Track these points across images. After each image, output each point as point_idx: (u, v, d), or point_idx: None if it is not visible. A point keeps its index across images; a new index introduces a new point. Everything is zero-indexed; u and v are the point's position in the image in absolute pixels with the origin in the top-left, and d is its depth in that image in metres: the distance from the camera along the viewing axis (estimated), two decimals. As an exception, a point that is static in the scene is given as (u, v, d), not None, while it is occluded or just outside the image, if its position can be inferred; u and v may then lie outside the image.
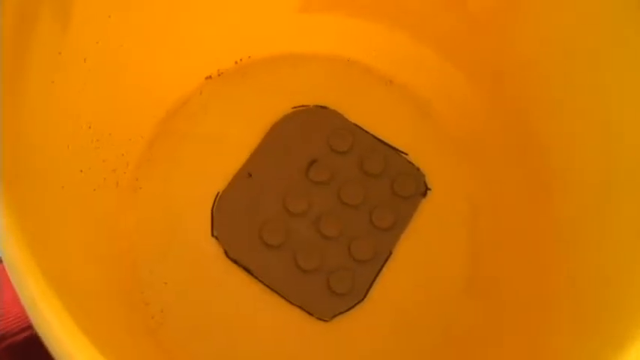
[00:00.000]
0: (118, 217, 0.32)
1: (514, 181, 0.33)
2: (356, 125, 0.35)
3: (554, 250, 0.29)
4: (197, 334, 0.31)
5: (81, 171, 0.28)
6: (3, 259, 0.18)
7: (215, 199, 0.33)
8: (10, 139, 0.21)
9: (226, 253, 0.32)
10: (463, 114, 0.35)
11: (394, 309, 0.32)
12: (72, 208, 0.27)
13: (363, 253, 0.33)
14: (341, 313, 0.32)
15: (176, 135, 0.34)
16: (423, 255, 0.33)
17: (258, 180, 0.34)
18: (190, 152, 0.34)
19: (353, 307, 0.32)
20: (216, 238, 0.33)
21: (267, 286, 0.32)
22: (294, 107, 0.35)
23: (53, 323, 0.17)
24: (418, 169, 0.35)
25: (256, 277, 0.32)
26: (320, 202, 0.34)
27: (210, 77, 0.35)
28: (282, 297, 0.32)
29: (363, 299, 0.32)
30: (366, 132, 0.35)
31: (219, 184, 0.34)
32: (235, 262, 0.32)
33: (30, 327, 0.27)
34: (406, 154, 0.35)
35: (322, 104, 0.35)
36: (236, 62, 0.36)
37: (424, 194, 0.34)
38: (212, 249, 0.33)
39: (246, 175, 0.34)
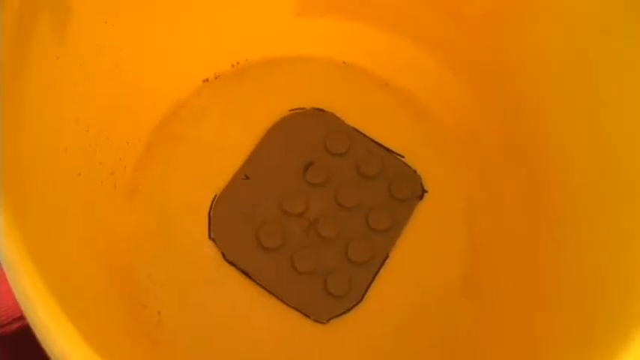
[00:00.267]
0: (116, 220, 0.32)
1: (511, 183, 0.33)
2: (353, 128, 0.35)
3: (553, 251, 0.30)
4: (194, 336, 0.31)
5: (79, 174, 0.28)
6: (1, 259, 0.19)
7: (212, 201, 0.33)
8: (8, 143, 0.21)
9: (223, 256, 0.33)
10: (459, 116, 0.35)
11: (391, 311, 0.32)
12: (70, 211, 0.27)
13: (359, 256, 0.33)
14: (338, 315, 0.32)
15: (173, 138, 0.34)
16: (420, 257, 0.33)
17: (256, 182, 0.34)
18: (188, 155, 0.34)
19: (350, 309, 0.32)
20: (214, 240, 0.33)
21: (264, 289, 0.32)
22: (291, 110, 0.35)
23: (50, 325, 0.17)
24: (415, 171, 0.35)
25: (253, 280, 0.32)
26: (317, 204, 0.34)
27: (207, 80, 0.35)
28: (279, 299, 0.32)
29: (360, 301, 0.32)
30: (363, 134, 0.35)
31: (216, 186, 0.34)
32: (232, 264, 0.32)
33: (23, 317, 0.27)
34: (403, 157, 0.35)
35: (319, 107, 0.35)
36: (233, 65, 0.36)
37: (421, 197, 0.34)
38: (209, 251, 0.33)
39: (243, 177, 0.34)
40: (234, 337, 0.31)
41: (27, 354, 0.23)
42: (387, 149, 0.35)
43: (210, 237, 0.33)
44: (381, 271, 0.33)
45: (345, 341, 0.32)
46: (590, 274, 0.27)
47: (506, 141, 0.33)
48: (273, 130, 0.35)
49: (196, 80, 0.35)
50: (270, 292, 0.32)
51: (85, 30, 0.26)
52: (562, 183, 0.30)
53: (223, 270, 0.32)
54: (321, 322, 0.32)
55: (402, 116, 0.36)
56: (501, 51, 0.32)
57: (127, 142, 0.33)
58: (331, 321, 0.32)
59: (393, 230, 0.34)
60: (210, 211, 0.33)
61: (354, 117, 0.35)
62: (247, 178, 0.34)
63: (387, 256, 0.33)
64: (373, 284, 0.33)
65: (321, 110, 0.35)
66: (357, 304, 0.32)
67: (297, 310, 0.32)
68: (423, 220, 0.34)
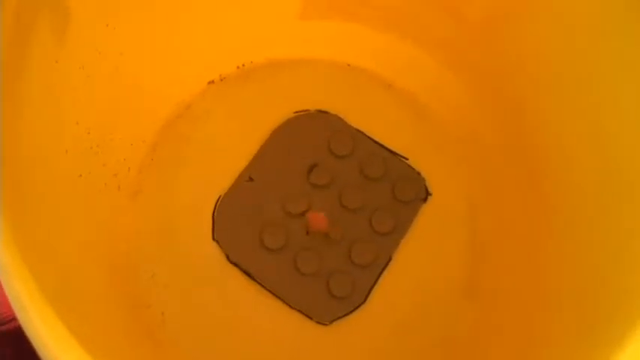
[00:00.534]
0: (120, 221, 0.32)
1: (514, 185, 0.33)
2: (356, 130, 0.35)
3: (554, 252, 0.29)
4: (197, 337, 0.31)
5: (80, 176, 0.28)
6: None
7: (216, 203, 0.34)
8: (8, 144, 0.21)
9: (227, 257, 0.33)
10: (462, 118, 0.35)
11: (394, 313, 0.32)
12: (71, 212, 0.27)
13: (363, 258, 0.33)
14: (340, 317, 0.32)
15: (178, 139, 0.34)
16: (422, 259, 0.33)
17: (260, 184, 0.34)
18: (192, 156, 0.34)
19: (352, 311, 0.32)
20: (217, 241, 0.33)
21: (268, 290, 0.32)
22: (296, 112, 0.35)
23: (41, 328, 0.18)
24: (419, 173, 0.35)
25: (256, 281, 0.32)
26: (320, 206, 0.34)
27: (212, 82, 0.36)
28: (282, 301, 0.32)
29: (362, 303, 0.32)
30: (367, 136, 0.35)
31: (220, 188, 0.34)
32: (236, 265, 0.33)
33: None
34: (407, 159, 0.35)
35: (323, 109, 0.35)
36: (238, 67, 0.36)
37: (425, 199, 0.34)
38: (213, 253, 0.33)
39: (247, 179, 0.34)
40: (236, 338, 0.32)
41: (31, 350, 0.24)
42: (390, 151, 0.35)
43: (214, 238, 0.33)
44: (384, 273, 0.33)
45: (347, 343, 0.32)
46: (590, 274, 0.27)
47: (508, 141, 0.33)
48: (277, 131, 0.35)
49: (202, 82, 0.35)
50: (273, 294, 0.32)
51: (85, 33, 0.27)
52: (563, 183, 0.30)
53: (227, 271, 0.33)
54: (323, 324, 0.32)
55: (405, 117, 0.36)
56: (502, 51, 0.32)
57: (131, 144, 0.33)
58: (334, 323, 0.32)
59: (396, 232, 0.34)
60: (214, 213, 0.33)
61: (357, 119, 0.35)
62: (251, 179, 0.34)
63: (390, 259, 0.33)
64: (376, 286, 0.33)
65: (325, 112, 0.35)
66: (359, 305, 0.32)
67: (299, 311, 0.32)
68: (425, 221, 0.34)
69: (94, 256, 0.29)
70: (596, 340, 0.24)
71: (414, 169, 0.35)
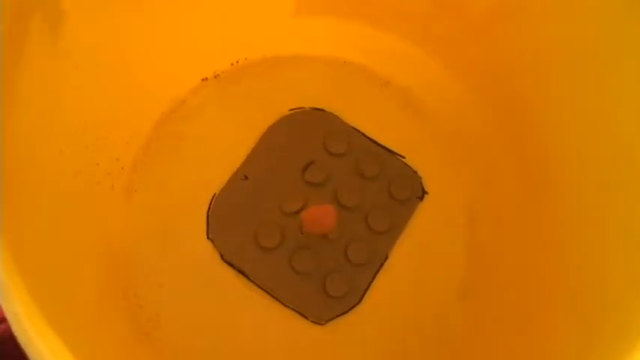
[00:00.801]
0: (113, 220, 0.32)
1: (512, 185, 0.33)
2: (352, 127, 0.35)
3: (552, 254, 0.29)
4: (192, 336, 0.31)
5: (75, 175, 0.28)
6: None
7: (211, 201, 0.33)
8: (2, 144, 0.21)
9: (222, 256, 0.32)
10: (460, 116, 0.35)
11: (390, 313, 0.32)
12: (65, 211, 0.27)
13: (359, 257, 0.33)
14: (336, 316, 0.32)
15: (172, 137, 0.34)
16: (419, 258, 0.33)
17: (254, 182, 0.34)
18: (186, 154, 0.34)
19: (348, 310, 0.32)
20: (212, 240, 0.33)
21: (263, 289, 0.32)
22: (291, 109, 0.35)
23: (30, 331, 0.17)
24: (415, 172, 0.34)
25: (251, 280, 0.32)
26: (316, 204, 0.33)
27: (206, 79, 0.35)
28: (278, 300, 0.32)
29: (358, 303, 0.32)
30: (363, 134, 0.35)
31: (214, 186, 0.33)
32: (230, 264, 0.32)
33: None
34: (403, 157, 0.35)
35: (319, 106, 0.35)
36: (232, 64, 0.35)
37: (421, 198, 0.34)
38: (207, 252, 0.33)
39: (242, 177, 0.34)
40: (231, 337, 0.31)
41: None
42: (387, 149, 0.35)
43: (208, 237, 0.33)
44: (380, 272, 0.33)
45: (343, 343, 0.32)
46: (590, 276, 0.26)
47: (505, 140, 0.33)
48: (272, 129, 0.35)
49: (195, 79, 0.35)
50: (268, 293, 0.32)
51: (80, 31, 0.26)
52: (561, 183, 0.29)
53: (221, 270, 0.32)
54: (319, 324, 0.32)
55: (402, 116, 0.35)
56: (502, 50, 0.31)
57: (125, 142, 0.33)
58: (330, 322, 0.32)
59: (392, 231, 0.33)
60: (208, 211, 0.33)
61: (353, 117, 0.35)
62: (246, 177, 0.34)
63: (386, 258, 0.33)
64: (372, 285, 0.33)
65: (321, 110, 0.35)
66: (355, 305, 0.32)
67: (295, 311, 0.32)
68: (422, 220, 0.34)
69: (87, 255, 0.28)
70: (592, 342, 0.24)
71: (410, 167, 0.35)
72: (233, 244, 0.33)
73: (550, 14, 0.29)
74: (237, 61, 0.36)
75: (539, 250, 0.30)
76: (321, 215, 0.31)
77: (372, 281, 0.33)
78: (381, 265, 0.33)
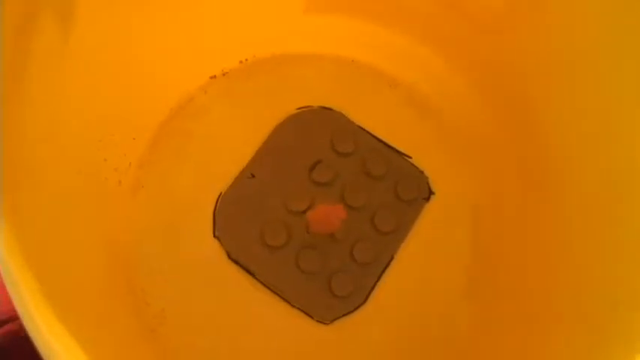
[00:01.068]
0: (120, 216, 0.32)
1: (517, 185, 0.33)
2: (360, 127, 0.35)
3: (557, 254, 0.29)
4: (197, 334, 0.31)
5: (82, 171, 0.28)
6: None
7: (217, 199, 0.33)
8: (10, 142, 0.21)
9: (228, 254, 0.32)
10: (467, 117, 0.34)
11: (395, 313, 0.32)
12: (72, 208, 0.27)
13: (365, 256, 0.33)
14: (342, 316, 0.32)
15: (179, 134, 0.34)
16: (424, 259, 0.33)
17: (261, 181, 0.34)
18: (193, 152, 0.34)
19: (354, 310, 0.32)
20: (218, 238, 0.33)
21: (268, 288, 0.32)
22: (298, 108, 0.35)
23: (42, 328, 0.17)
24: (422, 172, 0.34)
25: (257, 279, 0.32)
26: (322, 203, 0.33)
27: (214, 77, 0.35)
28: (283, 299, 0.32)
29: (364, 303, 0.32)
30: (370, 134, 0.35)
31: (221, 184, 0.33)
32: (237, 262, 0.32)
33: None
34: (410, 158, 0.35)
35: (326, 105, 0.35)
36: (241, 62, 0.35)
37: (428, 198, 0.34)
38: (214, 250, 0.33)
39: (248, 175, 0.34)
40: (236, 335, 0.31)
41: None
42: (394, 149, 0.35)
43: (214, 235, 0.33)
44: (386, 273, 0.33)
45: (348, 342, 0.32)
46: (595, 275, 0.26)
47: (512, 141, 0.33)
48: (279, 128, 0.35)
49: (203, 77, 0.35)
50: (273, 292, 0.32)
51: (91, 26, 0.26)
52: (567, 184, 0.29)
53: (227, 268, 0.32)
54: (324, 323, 0.32)
55: (410, 116, 0.35)
56: (509, 50, 0.31)
57: (133, 139, 0.32)
58: (335, 322, 0.32)
59: (398, 232, 0.33)
60: (215, 210, 0.33)
61: (361, 116, 0.35)
62: (253, 176, 0.34)
63: (392, 258, 0.33)
64: (378, 285, 0.33)
65: (329, 109, 0.35)
66: (361, 305, 0.32)
67: (300, 310, 0.32)
68: (427, 220, 0.34)
69: (94, 250, 0.28)
70: (599, 341, 0.24)
71: (417, 167, 0.35)
72: (239, 242, 0.33)
73: (557, 14, 0.29)
74: (245, 59, 0.35)
75: (544, 250, 0.30)
76: (329, 214, 0.31)
77: (377, 281, 0.33)
78: (387, 265, 0.33)
